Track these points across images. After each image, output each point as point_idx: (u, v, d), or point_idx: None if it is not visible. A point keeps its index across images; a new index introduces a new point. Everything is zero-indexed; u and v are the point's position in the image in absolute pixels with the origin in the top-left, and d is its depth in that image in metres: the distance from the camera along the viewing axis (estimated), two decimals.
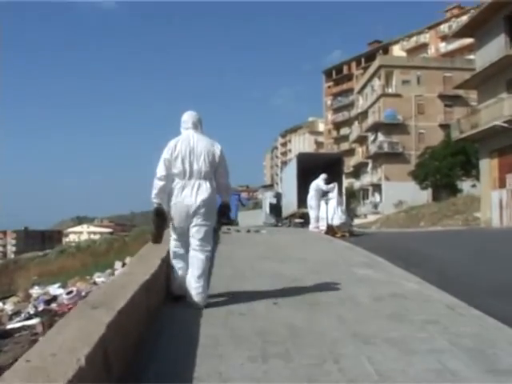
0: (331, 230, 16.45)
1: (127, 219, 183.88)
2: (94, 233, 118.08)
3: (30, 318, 8.92)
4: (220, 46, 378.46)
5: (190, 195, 5.46)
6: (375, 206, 64.36)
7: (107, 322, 3.00)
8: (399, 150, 62.15)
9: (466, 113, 44.21)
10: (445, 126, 55.72)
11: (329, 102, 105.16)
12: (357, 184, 73.03)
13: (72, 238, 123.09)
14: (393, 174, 60.79)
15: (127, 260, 13.72)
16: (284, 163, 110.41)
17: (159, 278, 5.25)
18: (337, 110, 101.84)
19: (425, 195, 54.49)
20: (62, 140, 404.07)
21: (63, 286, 12.01)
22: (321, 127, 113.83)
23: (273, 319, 5.01)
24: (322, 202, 17.27)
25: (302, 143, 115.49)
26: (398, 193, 57.20)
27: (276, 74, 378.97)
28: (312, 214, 18.09)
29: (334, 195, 17.13)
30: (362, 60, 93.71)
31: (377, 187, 65.17)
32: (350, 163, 69.28)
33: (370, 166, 68.75)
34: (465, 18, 47.34)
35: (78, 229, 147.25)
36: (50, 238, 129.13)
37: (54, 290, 11.55)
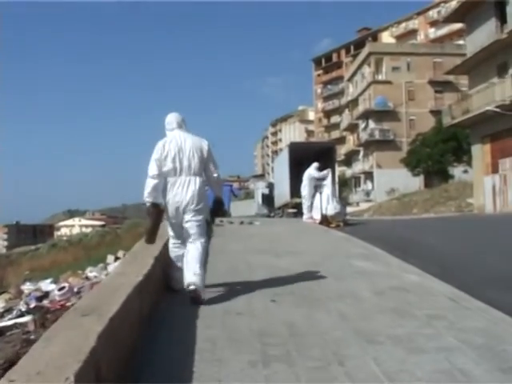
0: (325, 220, 16.28)
1: (119, 211, 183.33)
2: (86, 226, 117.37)
3: (21, 315, 8.77)
4: (208, 36, 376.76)
5: (181, 192, 5.61)
6: (367, 193, 64.36)
7: (98, 332, 2.78)
8: (390, 137, 62.08)
9: (456, 98, 44.16)
10: (435, 112, 55.78)
11: (319, 91, 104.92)
12: (348, 172, 73.07)
13: (64, 231, 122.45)
14: (384, 162, 60.73)
15: (120, 253, 13.59)
16: (275, 152, 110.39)
17: (152, 278, 5.05)
18: (327, 98, 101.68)
19: (417, 182, 54.54)
20: (52, 134, 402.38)
21: (55, 282, 11.84)
22: (311, 116, 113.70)
23: (272, 318, 4.83)
24: (317, 192, 17.06)
25: (293, 132, 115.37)
26: (390, 180, 57.22)
27: (265, 63, 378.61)
28: (305, 203, 17.93)
29: (327, 182, 16.86)
30: (352, 47, 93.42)
31: (369, 175, 65.13)
32: (341, 151, 69.08)
33: (361, 153, 68.74)
34: (454, 4, 47.04)
35: (69, 222, 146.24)
36: (41, 232, 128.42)
37: (46, 285, 11.37)
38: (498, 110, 27.67)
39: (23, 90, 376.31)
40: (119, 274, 4.73)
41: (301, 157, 24.01)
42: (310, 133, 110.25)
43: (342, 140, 77.89)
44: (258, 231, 14.32)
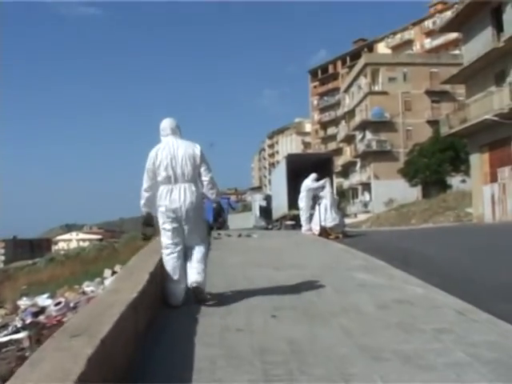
0: (324, 232, 16.08)
1: (116, 225, 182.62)
2: (84, 240, 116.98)
3: (17, 331, 8.61)
4: (204, 49, 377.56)
5: (178, 199, 5.66)
6: (365, 204, 64.26)
7: (88, 355, 2.60)
8: (387, 148, 62.03)
9: (453, 108, 44.19)
10: (432, 122, 55.73)
11: (315, 102, 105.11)
12: (346, 183, 72.92)
13: (61, 245, 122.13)
14: (382, 172, 60.63)
15: (117, 268, 13.49)
16: (272, 165, 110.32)
17: (148, 294, 4.85)
18: (323, 110, 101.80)
19: (415, 192, 54.45)
20: (49, 148, 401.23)
21: (52, 296, 11.72)
22: (308, 127, 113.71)
23: (272, 335, 4.64)
24: (316, 204, 16.84)
25: (290, 144, 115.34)
26: (388, 191, 57.09)
27: (261, 75, 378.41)
28: (303, 215, 17.74)
29: (326, 193, 16.62)
30: (348, 59, 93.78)
31: (366, 186, 65.01)
32: (338, 162, 68.94)
33: (358, 164, 68.64)
34: (449, 14, 47.22)
35: (67, 236, 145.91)
36: (39, 247, 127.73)
37: (43, 300, 11.27)
38: (496, 118, 27.59)
39: (20, 96, 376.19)
40: (113, 291, 4.53)
41: (298, 168, 23.87)
42: (306, 145, 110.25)
43: (338, 151, 77.83)
44: (257, 244, 14.14)
